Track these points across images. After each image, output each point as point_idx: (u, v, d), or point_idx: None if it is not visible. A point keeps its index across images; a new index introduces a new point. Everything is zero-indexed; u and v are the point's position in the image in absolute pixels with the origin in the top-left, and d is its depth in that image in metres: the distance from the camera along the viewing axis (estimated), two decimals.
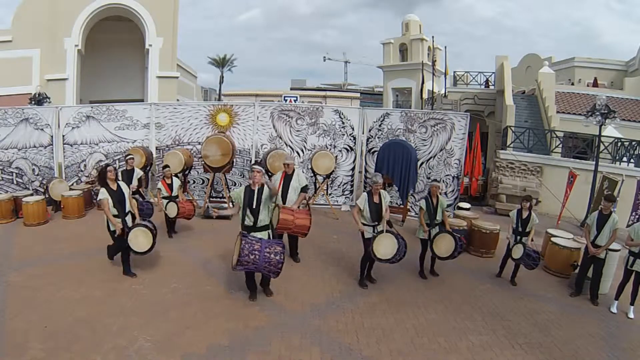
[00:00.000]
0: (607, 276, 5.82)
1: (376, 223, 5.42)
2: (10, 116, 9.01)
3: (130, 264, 5.58)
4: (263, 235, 4.86)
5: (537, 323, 4.87)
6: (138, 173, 7.48)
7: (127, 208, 5.47)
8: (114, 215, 5.30)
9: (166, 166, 7.52)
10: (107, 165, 5.49)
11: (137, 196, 7.09)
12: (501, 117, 13.78)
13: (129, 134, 9.75)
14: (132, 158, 7.50)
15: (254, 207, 4.81)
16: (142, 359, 3.78)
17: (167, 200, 7.12)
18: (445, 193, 8.98)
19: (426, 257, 6.14)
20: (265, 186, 4.95)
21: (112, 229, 5.34)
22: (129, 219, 5.49)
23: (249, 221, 4.87)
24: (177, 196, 7.29)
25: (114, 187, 5.38)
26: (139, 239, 5.34)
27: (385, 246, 5.21)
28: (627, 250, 5.32)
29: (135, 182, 7.27)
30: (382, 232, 5.27)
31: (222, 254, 6.54)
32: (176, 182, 7.38)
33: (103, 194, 5.28)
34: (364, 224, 5.44)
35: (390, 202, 9.50)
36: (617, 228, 5.42)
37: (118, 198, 5.34)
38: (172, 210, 7.08)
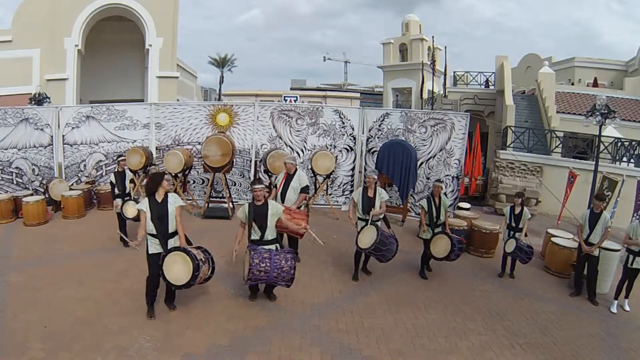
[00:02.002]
0: (607, 276, 5.84)
1: (368, 217, 5.60)
2: (10, 116, 9.01)
3: (173, 298, 4.75)
4: (271, 248, 4.77)
5: (537, 323, 4.88)
6: (129, 175, 7.31)
7: (171, 228, 4.39)
8: (151, 235, 4.35)
9: (152, 164, 7.84)
10: (164, 172, 4.62)
11: (127, 198, 7.02)
12: (501, 117, 13.78)
13: (129, 134, 9.76)
14: (124, 160, 7.43)
15: (259, 221, 4.66)
16: (142, 359, 3.78)
17: None
18: (445, 193, 8.97)
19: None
20: (270, 200, 4.88)
21: (150, 251, 4.40)
22: (174, 242, 4.41)
23: (255, 235, 4.71)
24: None
25: (159, 198, 4.38)
26: (175, 266, 4.21)
27: (366, 236, 5.39)
28: (625, 248, 5.40)
29: (128, 184, 7.18)
30: (367, 225, 5.50)
31: (223, 254, 6.53)
32: None
33: (143, 203, 4.35)
34: (359, 218, 5.68)
35: (390, 202, 9.63)
36: (609, 226, 5.51)
37: (158, 213, 4.30)
38: None
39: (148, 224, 4.32)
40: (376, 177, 5.82)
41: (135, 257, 6.12)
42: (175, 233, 4.42)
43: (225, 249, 6.78)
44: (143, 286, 5.19)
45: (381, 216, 5.80)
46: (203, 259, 4.39)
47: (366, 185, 5.73)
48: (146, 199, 4.38)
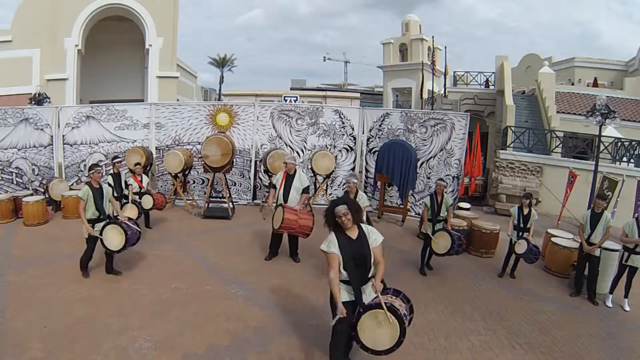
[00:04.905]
0: (607, 276, 5.84)
1: None
2: (10, 116, 9.01)
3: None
4: None
5: (537, 323, 4.87)
6: (124, 177, 7.26)
7: (370, 271, 3.30)
8: (342, 282, 3.25)
9: (137, 164, 7.83)
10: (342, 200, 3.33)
11: (125, 201, 6.99)
12: (501, 117, 13.78)
13: (129, 134, 9.75)
14: (120, 161, 7.36)
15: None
16: (142, 359, 3.77)
17: (143, 194, 7.54)
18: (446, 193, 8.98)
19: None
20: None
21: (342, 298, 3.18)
22: (367, 289, 3.28)
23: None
24: (147, 191, 7.65)
25: (352, 233, 3.27)
26: (376, 331, 3.15)
27: None
28: (622, 245, 5.46)
29: (124, 186, 7.13)
30: None
31: (222, 254, 6.54)
32: (145, 179, 7.77)
33: (331, 243, 3.22)
34: None
35: (390, 202, 9.62)
36: (611, 225, 5.52)
37: (355, 254, 3.22)
38: (147, 202, 7.50)
39: (341, 272, 3.21)
40: (356, 181, 5.81)
41: (134, 258, 6.14)
42: (370, 277, 3.30)
43: (225, 249, 6.79)
44: (143, 286, 5.23)
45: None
46: (406, 312, 3.28)
47: (347, 190, 5.67)
48: (332, 235, 3.27)
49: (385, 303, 3.07)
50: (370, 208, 8.05)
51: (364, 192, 10.17)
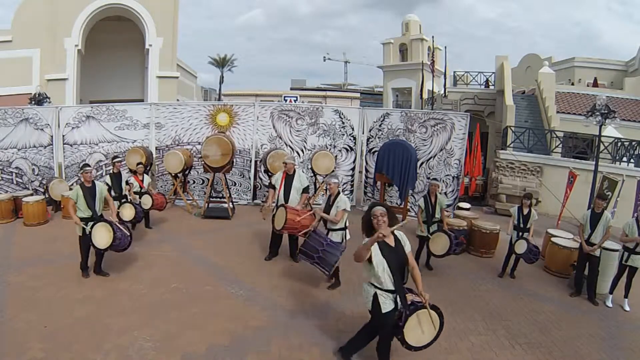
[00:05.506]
0: (607, 276, 5.84)
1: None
2: (10, 116, 9.01)
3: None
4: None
5: (537, 323, 4.87)
6: (124, 177, 7.22)
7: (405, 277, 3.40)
8: (385, 291, 3.31)
9: (139, 163, 7.79)
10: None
11: (124, 200, 6.99)
12: (501, 117, 13.77)
13: (129, 134, 9.75)
14: (120, 160, 7.35)
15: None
16: (142, 359, 3.77)
17: (143, 194, 7.52)
18: (445, 193, 8.99)
19: (422, 253, 6.34)
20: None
21: (384, 309, 3.29)
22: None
23: None
24: (147, 191, 7.64)
25: (390, 240, 3.30)
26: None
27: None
28: (622, 245, 5.47)
29: (124, 186, 7.15)
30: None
31: (222, 254, 6.54)
32: (147, 179, 7.74)
33: (373, 250, 3.20)
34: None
35: (390, 202, 9.61)
36: (611, 226, 5.52)
37: (398, 263, 3.28)
38: (147, 202, 7.48)
39: (384, 279, 3.24)
40: (336, 182, 5.48)
41: (134, 258, 6.14)
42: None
43: (225, 249, 6.79)
44: (143, 286, 5.23)
45: (336, 225, 5.28)
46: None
47: (330, 193, 5.48)
48: (373, 244, 3.18)
49: (428, 303, 3.30)
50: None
51: (364, 192, 10.20)
